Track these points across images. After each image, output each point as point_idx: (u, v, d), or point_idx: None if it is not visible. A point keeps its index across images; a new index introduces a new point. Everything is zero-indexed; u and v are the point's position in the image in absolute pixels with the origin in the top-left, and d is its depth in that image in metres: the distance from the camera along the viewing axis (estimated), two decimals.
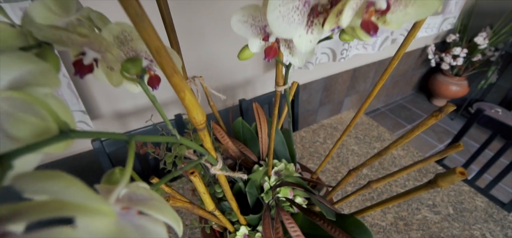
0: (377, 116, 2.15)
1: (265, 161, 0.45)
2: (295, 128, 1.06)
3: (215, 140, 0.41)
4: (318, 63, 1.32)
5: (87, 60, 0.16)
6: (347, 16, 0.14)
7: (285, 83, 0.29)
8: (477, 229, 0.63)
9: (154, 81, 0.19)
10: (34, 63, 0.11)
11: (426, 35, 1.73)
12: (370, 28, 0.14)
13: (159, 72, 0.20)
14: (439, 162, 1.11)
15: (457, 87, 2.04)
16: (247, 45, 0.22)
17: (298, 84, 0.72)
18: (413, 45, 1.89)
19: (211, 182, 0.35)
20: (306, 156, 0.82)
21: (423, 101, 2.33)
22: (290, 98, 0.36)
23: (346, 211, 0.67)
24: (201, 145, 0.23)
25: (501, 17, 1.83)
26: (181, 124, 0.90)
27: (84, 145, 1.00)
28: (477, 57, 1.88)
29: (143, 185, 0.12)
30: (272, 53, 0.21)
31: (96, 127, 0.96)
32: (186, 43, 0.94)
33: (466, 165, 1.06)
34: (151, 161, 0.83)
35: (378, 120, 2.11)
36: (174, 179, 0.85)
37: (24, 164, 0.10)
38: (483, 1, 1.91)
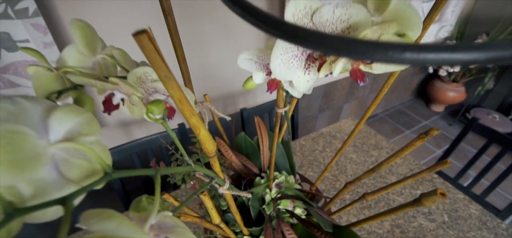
0: (376, 121, 2.17)
1: (266, 172, 0.48)
2: (295, 136, 1.09)
3: (219, 154, 0.44)
4: None
5: (115, 101, 0.18)
6: (339, 68, 0.16)
7: (285, 106, 0.32)
8: (471, 237, 0.65)
9: (170, 113, 0.22)
10: (81, 115, 0.14)
11: (423, 43, 1.77)
12: (357, 77, 0.17)
13: (171, 101, 0.23)
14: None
15: (454, 93, 2.06)
16: (251, 77, 0.25)
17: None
18: None
19: (216, 195, 0.38)
20: (306, 164, 0.85)
21: (422, 107, 2.36)
22: (290, 113, 0.39)
23: (344, 218, 0.69)
24: (207, 164, 0.25)
25: (497, 24, 1.86)
26: (184, 132, 0.92)
27: None
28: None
29: (168, 213, 0.14)
30: (274, 86, 0.23)
31: (102, 135, 0.99)
32: (189, 53, 0.97)
33: (463, 171, 1.08)
34: (167, 161, 0.85)
35: (377, 125, 2.13)
36: (177, 187, 0.88)
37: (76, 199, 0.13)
38: (480, 9, 1.95)
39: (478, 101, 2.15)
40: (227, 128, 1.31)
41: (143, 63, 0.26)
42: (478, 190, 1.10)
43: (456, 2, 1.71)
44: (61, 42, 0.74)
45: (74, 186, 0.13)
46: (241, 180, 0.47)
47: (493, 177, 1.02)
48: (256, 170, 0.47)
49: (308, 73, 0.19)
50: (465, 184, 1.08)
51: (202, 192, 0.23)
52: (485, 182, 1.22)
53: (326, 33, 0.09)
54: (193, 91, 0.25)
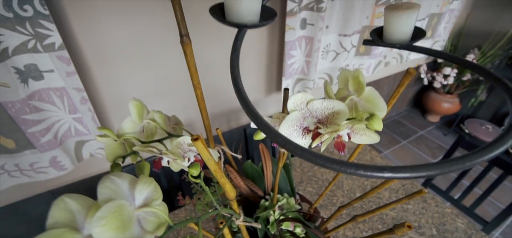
0: None
1: (270, 195, 0.54)
2: None
3: (228, 178, 0.50)
4: (316, 87, 1.43)
5: (164, 162, 0.25)
6: (326, 143, 0.23)
7: None
8: None
9: (201, 164, 0.28)
10: (151, 185, 0.20)
11: (418, 57, 1.84)
12: (340, 148, 0.23)
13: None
14: (427, 181, 1.20)
15: (449, 105, 2.14)
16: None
17: None
18: (406, 65, 2.00)
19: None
20: (305, 180, 0.91)
21: (418, 117, 2.43)
22: None
23: (340, 233, 0.75)
24: (223, 196, 0.31)
25: (488, 38, 1.94)
26: None
27: (99, 167, 1.08)
28: (467, 76, 1.99)
29: None
30: None
31: None
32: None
33: (457, 180, 1.14)
34: (176, 179, 0.92)
35: None
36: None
37: None
38: (471, 24, 2.03)
39: (472, 112, 2.22)
40: (230, 143, 1.38)
41: (174, 118, 0.32)
42: (471, 199, 1.13)
43: (448, 18, 1.79)
44: (81, 71, 0.81)
45: (149, 236, 0.19)
46: (248, 201, 0.54)
47: (485, 186, 1.07)
48: (261, 193, 0.53)
49: (304, 139, 0.26)
50: (458, 194, 1.13)
51: (221, 223, 0.30)
52: (478, 191, 1.28)
53: (315, 152, 0.16)
54: (214, 146, 0.32)
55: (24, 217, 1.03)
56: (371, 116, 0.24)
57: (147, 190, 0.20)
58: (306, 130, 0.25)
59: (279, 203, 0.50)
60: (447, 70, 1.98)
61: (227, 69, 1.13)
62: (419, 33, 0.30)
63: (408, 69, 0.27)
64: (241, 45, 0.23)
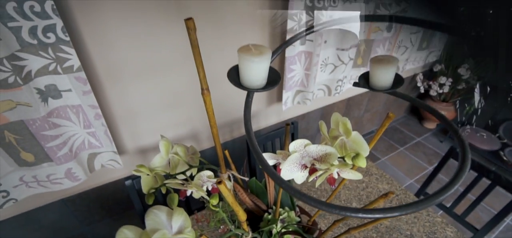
0: (371, 139, 2.29)
1: (272, 208, 0.59)
2: None
3: (235, 194, 0.56)
4: (315, 98, 1.48)
5: (188, 193, 0.30)
6: (321, 179, 0.29)
7: None
8: None
9: (215, 191, 0.34)
10: (182, 215, 0.26)
11: (414, 67, 1.91)
12: (331, 183, 0.29)
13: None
14: (421, 190, 1.25)
15: (445, 112, 2.19)
16: None
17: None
18: (403, 74, 2.06)
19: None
20: (305, 190, 0.97)
21: (415, 124, 2.49)
22: None
23: None
24: (232, 212, 0.37)
25: None
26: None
27: (108, 176, 1.14)
28: (462, 85, 2.05)
29: None
30: None
31: (122, 160, 1.11)
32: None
33: None
34: None
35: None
36: (199, 209, 0.99)
37: None
38: None
39: (468, 119, 2.28)
40: (232, 151, 1.43)
41: (191, 148, 0.38)
42: (464, 205, 1.17)
43: None
44: (95, 89, 0.87)
45: None
46: (252, 214, 0.59)
47: (478, 191, 1.12)
48: (264, 207, 0.59)
49: (302, 173, 0.32)
50: (450, 203, 1.18)
51: None
52: (471, 197, 1.33)
53: (310, 196, 0.22)
54: (225, 171, 0.38)
55: (37, 224, 1.08)
56: (356, 155, 0.30)
57: (180, 219, 0.26)
58: (304, 166, 0.31)
59: (281, 217, 0.55)
60: (443, 79, 2.05)
61: (229, 83, 1.19)
62: (398, 80, 0.36)
63: (388, 114, 0.33)
64: (251, 102, 0.28)
